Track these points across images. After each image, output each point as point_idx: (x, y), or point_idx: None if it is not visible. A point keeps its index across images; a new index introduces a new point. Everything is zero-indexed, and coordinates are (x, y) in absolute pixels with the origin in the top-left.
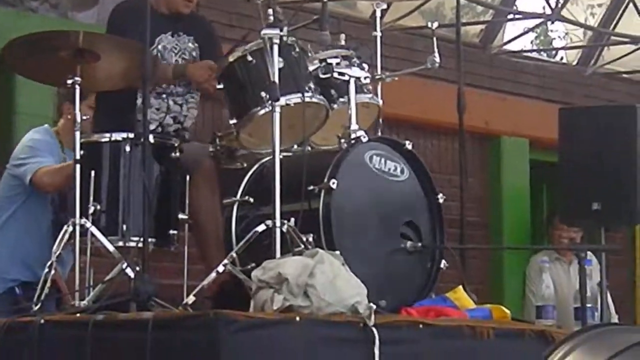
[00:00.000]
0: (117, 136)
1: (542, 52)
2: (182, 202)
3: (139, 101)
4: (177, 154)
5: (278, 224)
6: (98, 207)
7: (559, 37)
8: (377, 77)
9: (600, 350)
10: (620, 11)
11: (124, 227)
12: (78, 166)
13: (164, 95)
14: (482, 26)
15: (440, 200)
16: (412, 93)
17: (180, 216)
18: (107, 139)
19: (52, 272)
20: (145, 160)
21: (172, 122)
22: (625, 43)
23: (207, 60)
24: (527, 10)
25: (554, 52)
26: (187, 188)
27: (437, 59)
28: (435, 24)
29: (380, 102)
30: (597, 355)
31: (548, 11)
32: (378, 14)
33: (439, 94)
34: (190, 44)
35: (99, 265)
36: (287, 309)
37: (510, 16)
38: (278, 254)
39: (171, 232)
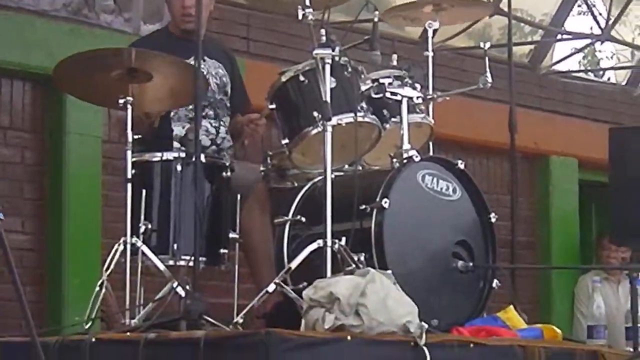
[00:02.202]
0: (169, 155)
1: (590, 73)
2: (232, 221)
3: (174, 124)
4: (229, 173)
5: (329, 243)
6: (149, 226)
7: (607, 57)
8: (429, 97)
9: None
10: None
11: (175, 246)
12: (129, 185)
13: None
14: (531, 46)
15: (493, 220)
16: (461, 113)
17: (231, 235)
18: (158, 158)
19: (103, 290)
20: (197, 179)
21: (209, 144)
22: None
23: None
24: (576, 31)
25: (601, 72)
26: (238, 207)
27: (489, 79)
28: (488, 44)
29: (432, 121)
30: None
31: (597, 31)
32: (430, 33)
33: (488, 114)
34: (220, 70)
35: (150, 284)
36: (338, 328)
37: (559, 36)
38: (329, 274)
39: (222, 251)
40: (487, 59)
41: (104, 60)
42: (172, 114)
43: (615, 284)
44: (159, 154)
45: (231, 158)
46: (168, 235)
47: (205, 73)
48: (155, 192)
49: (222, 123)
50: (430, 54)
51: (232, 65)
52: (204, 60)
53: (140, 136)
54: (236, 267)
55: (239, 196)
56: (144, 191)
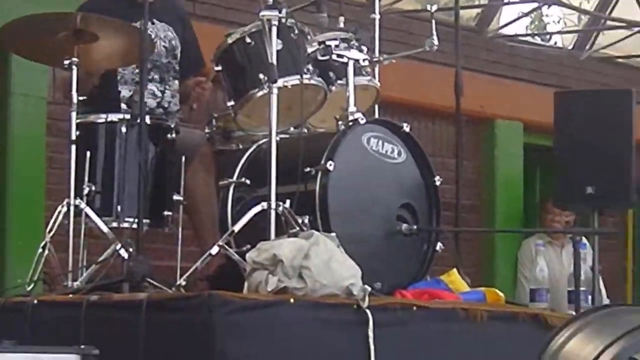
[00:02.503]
0: (114, 117)
1: (537, 37)
2: (177, 183)
3: (121, 86)
4: (174, 135)
5: (273, 205)
6: (93, 188)
7: (554, 21)
8: (375, 59)
9: (606, 331)
10: None
11: (119, 208)
12: (73, 147)
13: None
14: (478, 10)
15: (437, 183)
16: (408, 76)
17: (175, 197)
18: (103, 120)
19: (46, 252)
20: (142, 141)
21: (155, 106)
22: (621, 28)
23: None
24: None
25: (548, 36)
26: (183, 169)
27: (436, 42)
28: (435, 7)
29: (379, 84)
30: (604, 336)
31: None
32: None
33: (434, 77)
34: (169, 33)
35: (93, 246)
36: (282, 291)
37: (507, 0)
38: (273, 236)
39: (166, 213)
40: (433, 22)
41: (50, 23)
42: (118, 76)
43: (559, 247)
44: (104, 116)
45: (178, 121)
46: (112, 197)
47: (153, 36)
48: (99, 153)
49: (167, 87)
50: (377, 16)
51: (184, 28)
52: (153, 23)
53: (85, 97)
54: (180, 229)
55: (183, 158)
56: (88, 153)
